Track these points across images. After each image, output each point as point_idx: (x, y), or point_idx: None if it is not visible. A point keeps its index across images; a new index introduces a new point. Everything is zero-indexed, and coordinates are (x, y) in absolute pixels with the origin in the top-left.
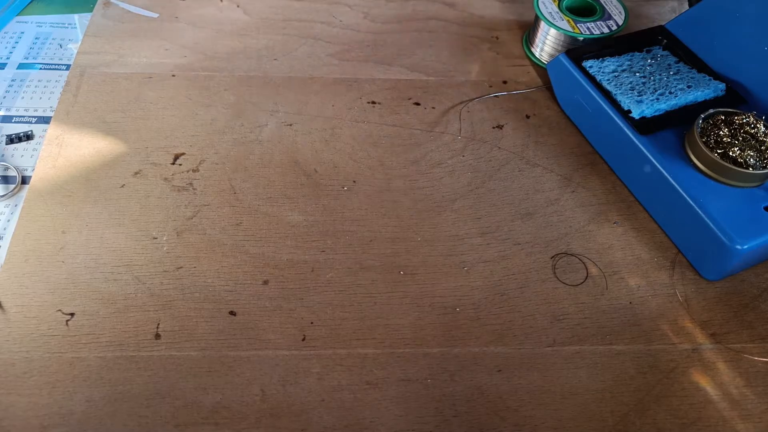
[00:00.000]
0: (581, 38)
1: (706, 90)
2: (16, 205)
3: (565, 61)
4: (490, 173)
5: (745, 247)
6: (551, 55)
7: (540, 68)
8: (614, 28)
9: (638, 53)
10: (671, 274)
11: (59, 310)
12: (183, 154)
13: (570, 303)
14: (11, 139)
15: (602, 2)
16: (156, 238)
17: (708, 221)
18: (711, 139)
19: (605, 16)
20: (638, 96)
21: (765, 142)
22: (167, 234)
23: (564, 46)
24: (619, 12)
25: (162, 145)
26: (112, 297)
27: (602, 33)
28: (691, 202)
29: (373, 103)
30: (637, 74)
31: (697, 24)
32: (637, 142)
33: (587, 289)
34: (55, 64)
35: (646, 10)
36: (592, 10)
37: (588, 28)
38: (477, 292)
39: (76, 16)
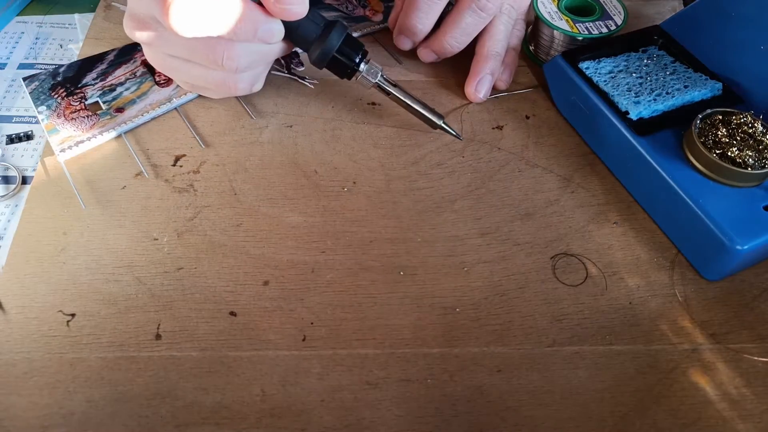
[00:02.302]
0: (580, 38)
1: (703, 90)
2: (16, 206)
3: (562, 63)
4: (490, 174)
5: (745, 247)
6: (550, 55)
7: (539, 68)
8: (613, 27)
9: (634, 53)
10: (671, 274)
11: (60, 311)
12: (184, 155)
13: (570, 303)
14: (11, 139)
15: (601, 2)
16: (157, 239)
17: (707, 221)
18: (709, 140)
19: (604, 15)
20: (635, 97)
21: (763, 141)
22: (168, 235)
23: (564, 46)
24: (619, 12)
25: (163, 147)
26: (113, 298)
27: (601, 33)
28: (690, 202)
29: (374, 104)
30: (634, 75)
31: (692, 23)
32: (635, 143)
33: (587, 290)
34: (56, 65)
35: (646, 10)
36: (591, 10)
37: (587, 28)
38: (477, 292)
39: (76, 16)
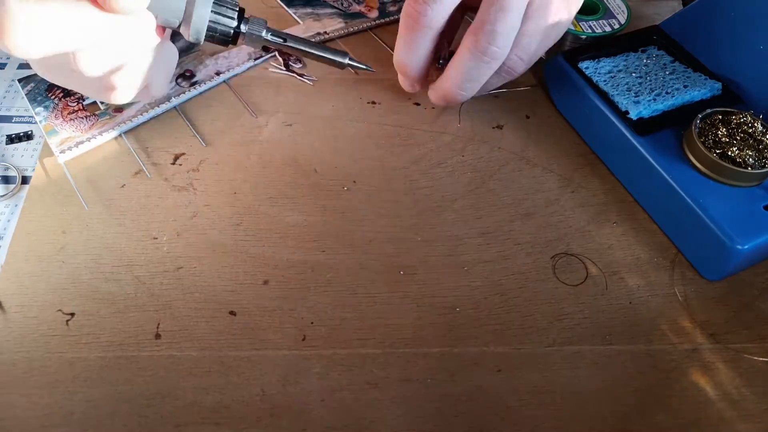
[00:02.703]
0: (584, 36)
1: (702, 89)
2: (16, 205)
3: (561, 63)
4: (490, 173)
5: (746, 246)
6: (554, 52)
7: (540, 68)
8: (616, 26)
9: (633, 53)
10: (671, 274)
11: (59, 310)
12: (183, 154)
13: (570, 303)
14: (11, 139)
15: (605, 0)
16: (156, 239)
17: (708, 221)
18: (709, 139)
19: (608, 14)
20: (635, 96)
21: (763, 141)
22: (167, 234)
23: (567, 45)
24: (622, 11)
25: (162, 145)
26: (113, 297)
27: (604, 31)
28: (690, 202)
29: (373, 103)
30: (634, 74)
31: (691, 23)
32: (635, 143)
33: (587, 289)
34: None
35: (646, 10)
36: (594, 9)
37: (590, 27)
38: (477, 292)
39: None
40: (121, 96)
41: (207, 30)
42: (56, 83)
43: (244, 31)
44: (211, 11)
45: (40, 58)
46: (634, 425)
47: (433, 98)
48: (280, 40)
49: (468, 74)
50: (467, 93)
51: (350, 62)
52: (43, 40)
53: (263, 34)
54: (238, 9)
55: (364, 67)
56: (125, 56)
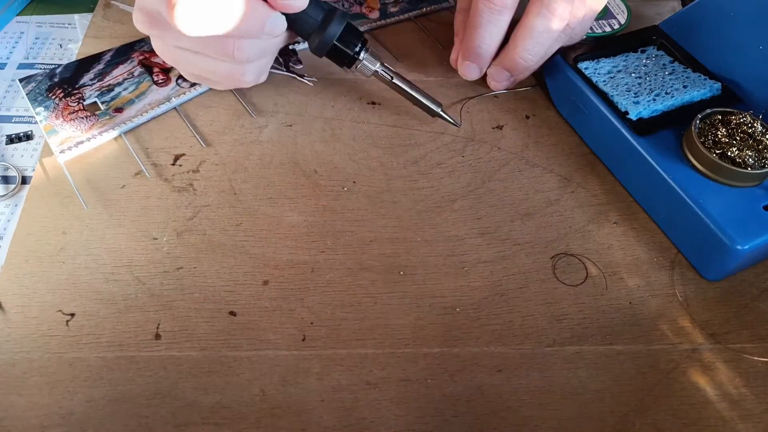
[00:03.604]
0: (583, 36)
1: (702, 90)
2: (16, 205)
3: (560, 63)
4: (490, 173)
5: (746, 247)
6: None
7: (540, 67)
8: (616, 27)
9: (633, 53)
10: (671, 274)
11: (59, 311)
12: (183, 155)
13: (570, 303)
14: (11, 139)
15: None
16: (156, 239)
17: (708, 221)
18: (709, 139)
19: (608, 15)
20: (635, 97)
21: (762, 141)
22: (167, 234)
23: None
24: (622, 11)
25: (162, 146)
26: (113, 297)
27: (604, 32)
28: (690, 202)
29: (374, 103)
30: (633, 75)
31: (691, 23)
32: (635, 143)
33: (587, 289)
34: (56, 65)
35: (646, 10)
36: None
37: (590, 27)
38: (477, 292)
39: (76, 16)
40: (246, 82)
41: (331, 47)
42: (187, 71)
43: (362, 59)
44: (341, 32)
45: (185, 44)
46: (634, 425)
47: (498, 77)
48: (388, 77)
49: (537, 37)
50: (534, 58)
51: (442, 113)
52: (205, 21)
53: (376, 67)
54: (362, 38)
55: (452, 121)
56: (266, 49)
